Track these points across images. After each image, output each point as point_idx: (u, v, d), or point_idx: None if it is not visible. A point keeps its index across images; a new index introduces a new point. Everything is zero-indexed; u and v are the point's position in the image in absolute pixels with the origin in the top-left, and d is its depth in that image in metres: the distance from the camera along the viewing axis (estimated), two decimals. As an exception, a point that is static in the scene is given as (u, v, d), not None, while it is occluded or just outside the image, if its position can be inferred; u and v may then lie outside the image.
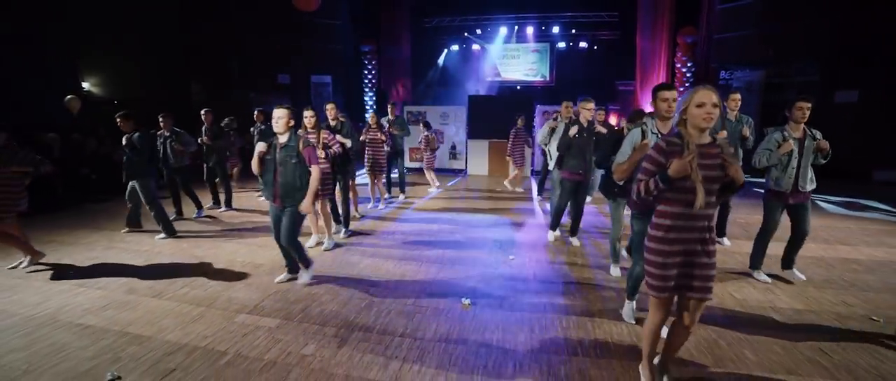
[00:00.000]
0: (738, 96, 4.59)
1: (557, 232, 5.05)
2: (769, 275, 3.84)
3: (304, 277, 3.69)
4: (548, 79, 15.97)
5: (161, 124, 5.73)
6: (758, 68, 11.84)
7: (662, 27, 13.40)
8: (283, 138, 3.45)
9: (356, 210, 6.03)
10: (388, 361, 2.61)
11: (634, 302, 3.11)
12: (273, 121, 3.42)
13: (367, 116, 6.62)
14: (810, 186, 3.56)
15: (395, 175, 7.45)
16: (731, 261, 4.32)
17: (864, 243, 4.95)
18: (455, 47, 15.81)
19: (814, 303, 3.40)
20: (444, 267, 4.15)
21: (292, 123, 3.46)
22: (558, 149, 4.56)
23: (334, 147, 4.60)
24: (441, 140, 10.56)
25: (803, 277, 3.81)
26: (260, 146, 3.44)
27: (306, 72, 11.72)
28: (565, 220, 5.09)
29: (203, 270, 4.08)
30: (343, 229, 5.17)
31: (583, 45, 15.27)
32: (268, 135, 6.06)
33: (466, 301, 3.36)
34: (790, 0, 10.82)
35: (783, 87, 11.21)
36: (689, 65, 13.52)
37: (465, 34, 15.33)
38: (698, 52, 13.31)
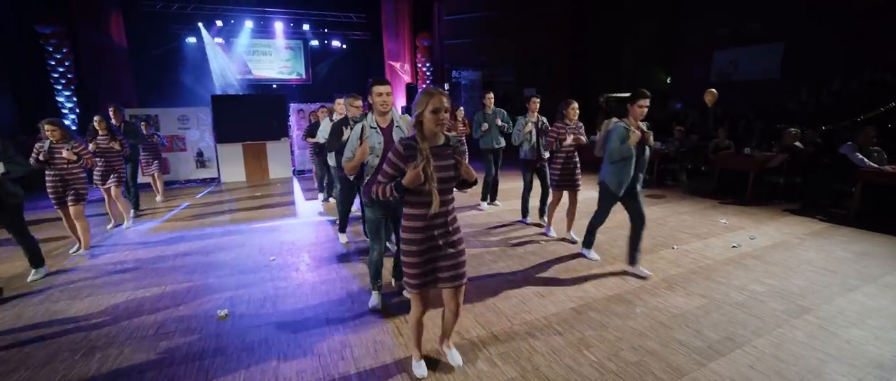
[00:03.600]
0: (491, 95, 5.96)
1: (346, 237, 4.91)
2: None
3: None
4: (304, 77, 15.75)
5: None
6: (477, 70, 14.80)
7: (404, 31, 15.09)
8: None
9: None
10: (123, 403, 2.25)
11: (378, 291, 3.22)
12: None
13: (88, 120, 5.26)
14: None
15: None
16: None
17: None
18: (192, 39, 13.68)
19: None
20: (195, 284, 3.73)
21: None
22: (329, 149, 4.35)
23: None
24: (183, 146, 9.15)
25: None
26: None
27: None
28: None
29: None
30: None
31: (336, 44, 15.66)
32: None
33: (223, 312, 3.16)
34: (492, 20, 14.00)
35: (494, 84, 14.36)
36: (428, 65, 15.69)
37: (200, 25, 13.46)
38: (434, 54, 15.62)
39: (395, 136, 2.91)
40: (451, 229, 2.17)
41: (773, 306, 3.14)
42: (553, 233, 4.85)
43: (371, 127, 2.90)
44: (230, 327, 3.01)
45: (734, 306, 3.14)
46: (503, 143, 5.94)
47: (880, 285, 3.45)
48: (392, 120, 2.95)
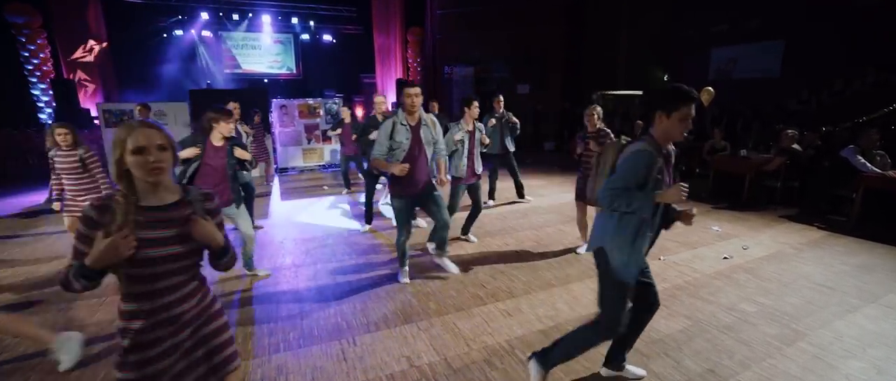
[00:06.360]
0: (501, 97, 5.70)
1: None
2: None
3: None
4: (295, 71, 15.39)
5: None
6: (470, 65, 14.43)
7: (395, 25, 14.69)
8: None
9: None
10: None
11: (405, 270, 3.61)
12: None
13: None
14: (479, 168, 4.30)
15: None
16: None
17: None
18: (178, 32, 13.30)
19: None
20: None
21: None
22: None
23: None
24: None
25: (476, 239, 4.62)
26: None
27: None
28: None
29: None
30: None
31: (327, 38, 15.29)
32: None
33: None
34: (486, 15, 13.60)
35: (488, 81, 14.01)
36: (419, 60, 15.32)
37: (181, 16, 13.03)
38: (426, 49, 15.24)
39: (423, 134, 3.19)
40: (199, 325, 1.43)
41: (764, 330, 2.83)
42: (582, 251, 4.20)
43: (401, 124, 3.13)
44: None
45: (721, 329, 2.83)
46: (512, 147, 5.92)
47: (882, 306, 3.14)
48: (420, 118, 3.20)
